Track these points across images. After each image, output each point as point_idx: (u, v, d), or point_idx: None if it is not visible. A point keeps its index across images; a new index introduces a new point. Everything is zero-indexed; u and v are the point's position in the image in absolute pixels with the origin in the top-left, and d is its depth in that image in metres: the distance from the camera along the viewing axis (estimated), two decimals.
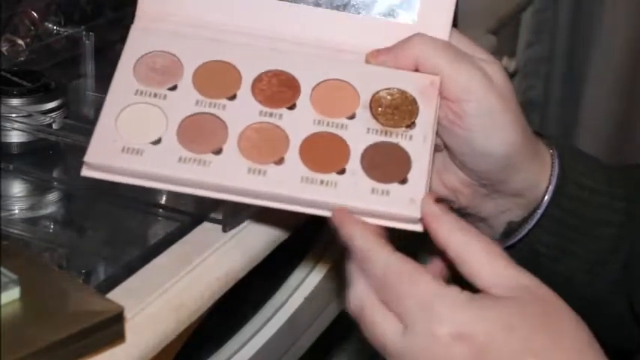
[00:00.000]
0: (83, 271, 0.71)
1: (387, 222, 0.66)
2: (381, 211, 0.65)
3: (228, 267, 0.74)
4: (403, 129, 0.69)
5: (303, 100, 0.70)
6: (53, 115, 0.85)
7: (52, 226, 0.79)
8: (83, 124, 0.84)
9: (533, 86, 1.84)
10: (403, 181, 0.66)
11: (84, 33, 0.97)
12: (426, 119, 0.69)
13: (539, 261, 0.78)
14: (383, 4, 0.73)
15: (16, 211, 0.79)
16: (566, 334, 0.60)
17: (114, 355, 0.62)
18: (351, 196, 0.66)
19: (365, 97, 0.70)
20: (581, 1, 1.83)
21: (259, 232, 0.78)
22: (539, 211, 0.76)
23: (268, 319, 0.95)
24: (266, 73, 0.71)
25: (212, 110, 0.69)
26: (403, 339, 0.60)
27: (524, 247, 0.78)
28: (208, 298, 0.72)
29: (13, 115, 0.83)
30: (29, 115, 0.84)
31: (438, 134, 0.71)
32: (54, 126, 0.85)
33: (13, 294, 0.61)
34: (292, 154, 0.67)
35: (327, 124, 0.69)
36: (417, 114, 0.69)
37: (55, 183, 0.84)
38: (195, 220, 0.78)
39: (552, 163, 0.77)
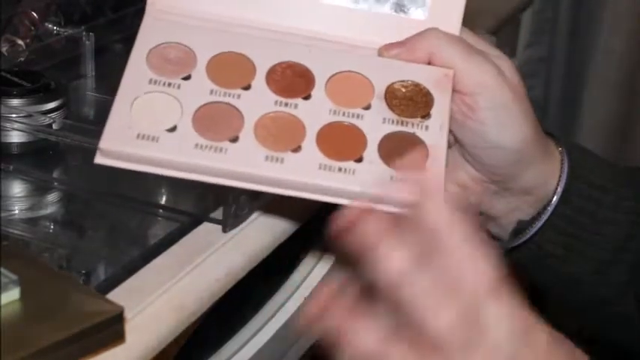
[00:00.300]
0: (83, 271, 0.71)
1: (406, 210, 0.66)
2: (401, 198, 0.66)
3: (228, 267, 0.74)
4: (419, 119, 0.69)
5: (317, 91, 0.70)
6: (53, 115, 0.85)
7: (52, 227, 0.79)
8: (83, 125, 0.84)
9: (533, 86, 1.84)
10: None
11: (84, 33, 0.97)
12: (441, 110, 0.70)
13: (548, 262, 0.78)
14: (394, 0, 0.73)
15: (16, 212, 0.79)
16: None
17: (114, 355, 0.62)
18: (370, 184, 0.66)
19: (379, 89, 0.70)
20: (581, 1, 1.83)
21: (259, 232, 0.78)
22: (550, 209, 0.76)
23: (268, 319, 0.95)
24: (280, 64, 0.71)
25: (227, 99, 0.69)
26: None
27: (533, 247, 0.78)
28: (208, 298, 0.72)
29: (13, 115, 0.83)
30: (29, 116, 0.84)
31: (449, 129, 0.72)
32: (54, 126, 0.85)
33: (13, 294, 0.61)
34: (309, 143, 0.67)
35: (343, 114, 0.69)
36: (432, 105, 0.70)
37: (55, 183, 0.84)
38: (195, 221, 0.78)
39: (562, 160, 0.77)
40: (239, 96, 0.69)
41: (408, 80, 0.71)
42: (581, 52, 1.85)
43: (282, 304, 0.96)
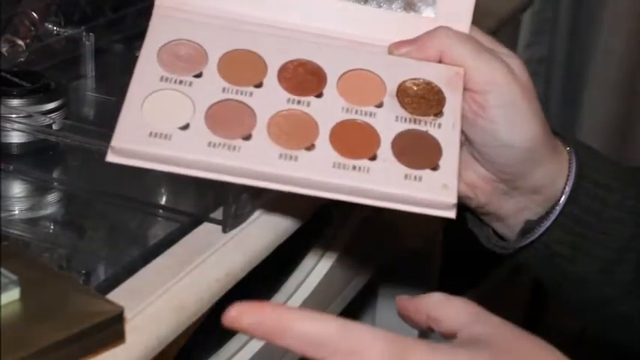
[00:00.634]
0: (83, 271, 0.71)
1: (420, 209, 0.66)
2: (416, 196, 0.66)
3: (229, 268, 0.74)
4: (431, 117, 0.69)
5: (329, 89, 0.70)
6: (53, 115, 0.85)
7: (52, 227, 0.79)
8: (83, 125, 0.84)
9: None
10: (435, 167, 0.67)
11: (84, 33, 0.97)
12: (453, 108, 0.70)
13: (555, 261, 0.78)
14: None
15: (16, 212, 0.79)
16: None
17: (114, 355, 0.62)
18: (384, 182, 0.66)
19: (391, 87, 0.71)
20: (581, 1, 1.83)
21: (259, 232, 0.78)
22: (558, 209, 0.77)
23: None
24: (291, 62, 0.71)
25: (239, 97, 0.69)
26: None
27: (540, 247, 0.78)
28: (208, 298, 0.72)
29: (13, 115, 0.83)
30: (29, 116, 0.84)
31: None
32: (54, 127, 0.85)
33: (13, 295, 0.61)
34: (322, 141, 0.67)
35: (356, 112, 0.69)
36: (444, 103, 0.70)
37: (55, 183, 0.84)
38: (195, 221, 0.78)
39: (569, 159, 0.77)
40: (251, 94, 0.69)
41: (419, 78, 0.71)
42: (581, 52, 1.85)
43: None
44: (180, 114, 0.67)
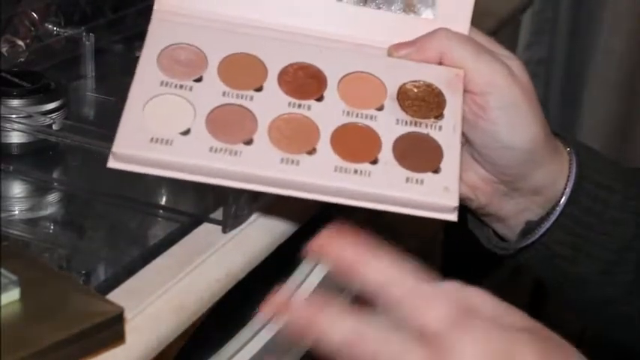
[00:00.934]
0: (83, 271, 0.71)
1: (422, 212, 0.66)
2: (418, 200, 0.66)
3: (228, 268, 0.74)
4: (432, 120, 0.69)
5: (330, 92, 0.70)
6: (53, 115, 0.85)
7: (52, 227, 0.79)
8: (83, 125, 0.84)
9: None
10: (436, 170, 0.67)
11: (84, 34, 0.97)
12: (453, 110, 0.70)
13: (556, 262, 0.78)
14: (403, 0, 0.74)
15: (16, 212, 0.79)
16: None
17: (114, 355, 0.62)
18: (386, 185, 0.66)
19: (392, 90, 0.70)
20: (581, 1, 1.83)
21: (259, 233, 0.78)
22: (558, 210, 0.76)
23: (268, 320, 0.94)
24: (291, 65, 0.71)
25: (239, 101, 0.68)
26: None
27: (541, 247, 0.78)
28: (208, 299, 0.72)
29: (13, 115, 0.83)
30: (29, 116, 0.84)
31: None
32: (54, 127, 0.85)
33: (13, 295, 0.61)
34: (324, 145, 0.67)
35: (357, 115, 0.69)
36: (444, 105, 0.70)
37: (55, 184, 0.84)
38: (195, 221, 0.78)
39: (570, 160, 0.77)
40: (252, 98, 0.69)
41: (419, 80, 0.71)
42: (581, 52, 1.85)
43: None
44: (181, 119, 0.67)
